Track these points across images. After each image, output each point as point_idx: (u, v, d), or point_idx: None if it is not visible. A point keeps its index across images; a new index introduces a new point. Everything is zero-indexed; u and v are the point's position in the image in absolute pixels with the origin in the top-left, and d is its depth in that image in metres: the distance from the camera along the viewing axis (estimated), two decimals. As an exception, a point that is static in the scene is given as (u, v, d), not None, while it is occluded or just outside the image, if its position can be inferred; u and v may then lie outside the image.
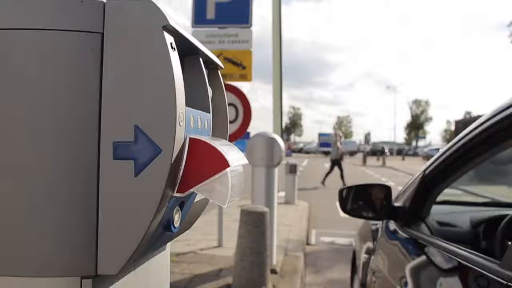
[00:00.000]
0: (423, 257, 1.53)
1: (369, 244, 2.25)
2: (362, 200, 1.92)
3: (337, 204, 2.14)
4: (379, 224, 2.15)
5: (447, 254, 1.30)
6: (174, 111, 0.59)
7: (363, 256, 2.33)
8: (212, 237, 5.51)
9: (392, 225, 1.90)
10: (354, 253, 2.80)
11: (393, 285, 1.65)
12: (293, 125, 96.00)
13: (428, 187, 1.71)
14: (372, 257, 2.08)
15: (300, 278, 4.27)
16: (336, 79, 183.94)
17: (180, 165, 0.64)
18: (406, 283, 1.52)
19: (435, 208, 1.87)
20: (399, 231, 1.79)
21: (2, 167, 0.59)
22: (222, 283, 3.88)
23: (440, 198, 1.90)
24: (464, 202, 2.55)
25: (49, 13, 0.60)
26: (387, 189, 1.85)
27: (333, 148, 14.65)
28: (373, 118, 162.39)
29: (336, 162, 14.25)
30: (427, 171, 1.70)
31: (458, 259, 1.21)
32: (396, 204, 1.87)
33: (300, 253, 5.21)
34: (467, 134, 1.43)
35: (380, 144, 64.53)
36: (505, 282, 0.93)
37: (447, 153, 1.56)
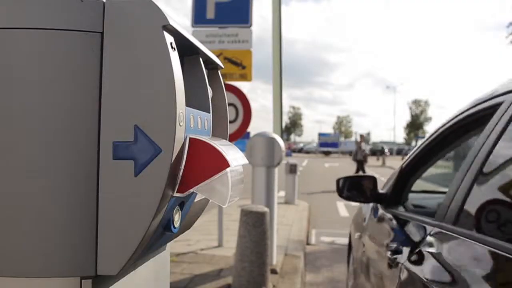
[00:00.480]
0: (400, 227, 1.97)
1: (361, 226, 2.75)
2: (355, 188, 2.37)
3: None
4: (367, 212, 2.63)
5: (416, 222, 1.74)
6: (174, 111, 0.59)
7: (356, 235, 2.84)
8: (212, 237, 5.51)
9: (378, 207, 2.38)
10: (350, 235, 3.32)
11: (377, 250, 2.09)
12: (293, 125, 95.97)
13: (405, 178, 2.18)
14: (362, 235, 2.59)
15: (300, 278, 4.27)
16: (336, 79, 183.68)
17: (180, 165, 0.64)
18: (386, 246, 1.90)
19: (412, 195, 2.34)
20: (383, 211, 2.26)
21: (2, 167, 0.59)
22: (222, 283, 3.88)
23: (421, 188, 2.50)
24: (438, 191, 2.91)
25: (49, 13, 0.60)
26: (374, 180, 2.30)
27: (357, 149, 16.31)
28: (373, 118, 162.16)
29: (359, 162, 15.80)
30: (403, 166, 2.18)
31: (423, 225, 1.62)
32: (381, 191, 2.33)
33: (300, 253, 5.21)
34: (428, 137, 1.92)
35: (380, 144, 64.49)
36: (432, 228, 1.48)
37: (416, 152, 2.06)
